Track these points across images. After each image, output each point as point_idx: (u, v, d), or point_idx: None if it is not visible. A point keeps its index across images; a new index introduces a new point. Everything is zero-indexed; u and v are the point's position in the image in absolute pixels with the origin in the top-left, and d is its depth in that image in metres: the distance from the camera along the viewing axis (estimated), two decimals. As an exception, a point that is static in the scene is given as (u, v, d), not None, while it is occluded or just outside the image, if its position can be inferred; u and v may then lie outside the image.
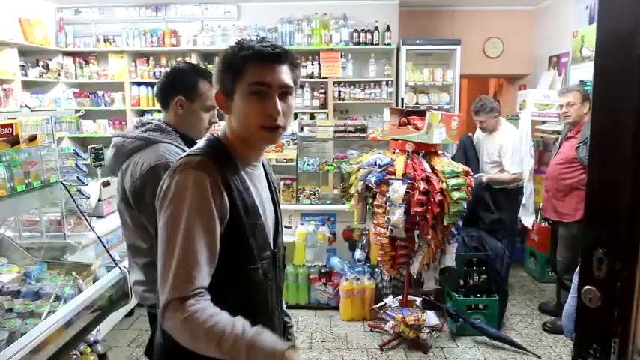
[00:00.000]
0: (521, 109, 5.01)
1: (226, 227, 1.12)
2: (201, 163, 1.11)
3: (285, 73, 1.15)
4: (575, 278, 2.47)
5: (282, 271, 1.38)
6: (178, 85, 1.79)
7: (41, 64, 5.36)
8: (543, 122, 4.79)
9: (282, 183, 3.91)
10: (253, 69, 1.12)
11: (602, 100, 0.83)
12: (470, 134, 4.37)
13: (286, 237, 3.82)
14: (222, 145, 1.20)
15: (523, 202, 4.41)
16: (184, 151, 1.77)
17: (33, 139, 2.36)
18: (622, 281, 0.78)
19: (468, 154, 4.10)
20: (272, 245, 1.27)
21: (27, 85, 5.19)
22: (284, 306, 1.48)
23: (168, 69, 1.93)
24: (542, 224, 4.49)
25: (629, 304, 0.78)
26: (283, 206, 3.86)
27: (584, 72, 4.11)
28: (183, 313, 1.02)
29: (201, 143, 1.23)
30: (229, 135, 1.21)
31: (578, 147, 3.27)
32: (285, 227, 3.89)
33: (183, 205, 1.07)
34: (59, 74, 5.55)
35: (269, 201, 1.29)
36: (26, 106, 4.70)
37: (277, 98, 1.13)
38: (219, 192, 1.09)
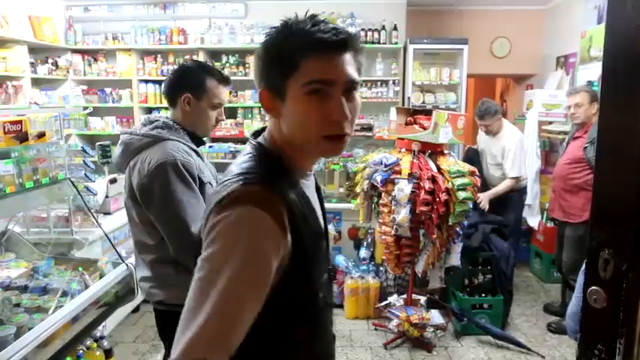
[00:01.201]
0: (528, 109, 4.99)
1: (288, 265, 0.88)
2: (263, 196, 0.86)
3: (349, 65, 0.90)
4: (580, 278, 2.46)
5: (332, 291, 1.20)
6: (186, 82, 1.80)
7: (50, 61, 5.40)
8: (550, 122, 4.77)
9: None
10: (311, 62, 0.87)
11: (610, 100, 0.83)
12: (475, 146, 4.37)
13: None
14: (275, 157, 0.96)
15: (529, 202, 4.40)
16: (191, 149, 1.79)
17: (41, 135, 2.38)
18: (628, 282, 0.78)
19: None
20: (328, 261, 1.10)
21: (36, 82, 5.22)
22: None
23: (175, 67, 1.94)
24: (548, 224, 4.47)
25: (634, 306, 0.78)
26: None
27: (592, 72, 4.09)
28: None
29: (248, 158, 0.96)
30: (279, 142, 0.97)
31: (585, 147, 3.25)
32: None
33: (232, 251, 0.81)
34: (68, 71, 5.58)
35: (320, 212, 1.07)
36: (35, 102, 4.74)
37: (343, 97, 0.89)
38: (282, 231, 0.86)
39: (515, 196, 4.01)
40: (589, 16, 4.63)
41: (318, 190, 1.12)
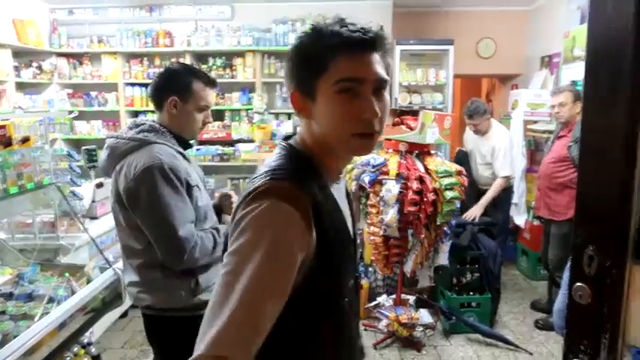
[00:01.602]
0: (513, 109, 5.04)
1: (313, 261, 0.89)
2: (290, 192, 0.86)
3: (378, 64, 0.91)
4: (565, 275, 2.49)
5: (357, 302, 1.14)
6: (172, 85, 1.79)
7: (34, 65, 5.33)
8: (535, 122, 4.82)
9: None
10: (340, 61, 0.88)
11: (593, 100, 0.84)
12: (464, 148, 4.41)
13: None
14: (305, 158, 0.97)
15: (515, 200, 4.45)
16: (178, 152, 1.78)
17: (26, 140, 2.35)
18: (612, 278, 0.79)
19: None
20: (355, 269, 1.08)
21: (20, 86, 5.15)
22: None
23: (162, 69, 1.93)
24: (535, 223, 4.52)
25: (618, 301, 0.79)
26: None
27: (576, 72, 4.14)
28: None
29: (278, 157, 0.97)
30: (310, 143, 0.98)
31: (570, 146, 3.29)
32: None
33: (257, 245, 0.81)
34: (52, 75, 5.52)
35: (349, 217, 1.05)
36: (19, 107, 4.68)
37: (372, 96, 0.90)
38: (308, 227, 0.86)
39: (502, 195, 4.06)
40: (572, 17, 4.69)
41: (348, 194, 1.12)
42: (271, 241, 0.82)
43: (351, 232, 1.06)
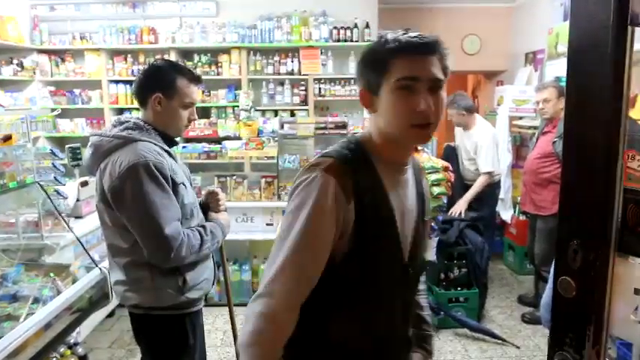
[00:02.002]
0: (498, 105, 5.09)
1: (351, 235, 1.04)
2: (332, 166, 1.03)
3: (434, 66, 1.04)
4: (552, 269, 2.52)
5: (414, 288, 1.28)
6: (156, 82, 1.77)
7: (15, 62, 5.24)
8: (520, 118, 4.87)
9: (263, 180, 3.90)
10: (399, 62, 1.02)
11: (576, 96, 0.85)
12: (452, 144, 4.45)
13: (268, 234, 3.82)
14: (362, 148, 1.11)
15: (501, 196, 4.49)
16: (163, 149, 1.76)
17: (7, 138, 2.31)
18: (596, 271, 0.80)
19: (452, 165, 4.17)
20: (405, 258, 1.16)
21: (1, 84, 5.06)
22: (426, 321, 1.39)
23: (145, 66, 1.90)
24: (521, 218, 4.57)
25: (602, 294, 0.80)
26: (264, 204, 3.86)
27: (560, 68, 4.19)
28: (264, 309, 0.99)
29: (338, 144, 1.13)
30: (375, 136, 1.12)
31: (554, 141, 3.33)
32: (267, 224, 3.88)
33: (301, 209, 1.00)
34: (34, 72, 5.42)
35: (412, 210, 1.17)
36: (0, 105, 4.59)
37: (428, 93, 1.03)
38: (346, 199, 1.02)
39: (489, 190, 4.09)
40: (555, 13, 4.75)
41: (419, 184, 1.22)
42: (312, 205, 0.99)
43: (413, 221, 1.17)
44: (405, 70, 1.02)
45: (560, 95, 3.37)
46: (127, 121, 1.77)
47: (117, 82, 5.51)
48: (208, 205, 2.03)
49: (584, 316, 0.82)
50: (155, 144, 1.73)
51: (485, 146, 3.96)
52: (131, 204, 1.63)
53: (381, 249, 1.10)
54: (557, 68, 4.25)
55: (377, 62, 1.05)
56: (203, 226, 1.84)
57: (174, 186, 1.72)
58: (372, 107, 1.09)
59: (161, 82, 1.76)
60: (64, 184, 2.96)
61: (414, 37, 1.03)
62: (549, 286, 2.85)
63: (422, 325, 1.37)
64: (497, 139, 4.21)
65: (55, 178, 2.84)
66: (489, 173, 3.97)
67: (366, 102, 1.10)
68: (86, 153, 1.80)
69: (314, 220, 0.99)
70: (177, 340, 1.83)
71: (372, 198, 1.06)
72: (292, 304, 1.01)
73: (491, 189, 4.14)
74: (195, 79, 1.82)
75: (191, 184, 1.91)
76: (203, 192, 2.09)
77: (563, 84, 3.26)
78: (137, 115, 1.86)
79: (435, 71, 1.03)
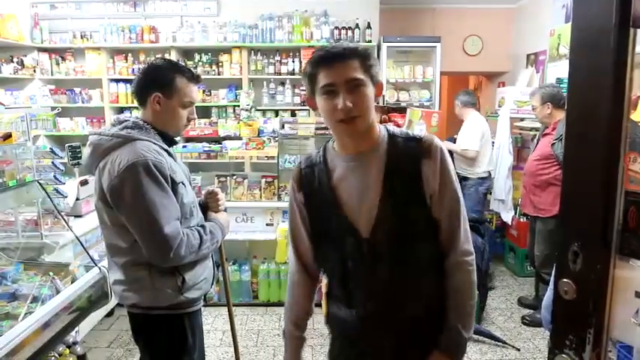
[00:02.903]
0: (500, 107, 5.08)
1: (306, 209, 1.41)
2: (295, 169, 1.45)
3: (349, 70, 1.23)
4: (554, 271, 2.52)
5: (393, 265, 1.31)
6: (155, 81, 1.76)
7: (15, 60, 5.24)
8: (522, 119, 4.87)
9: (263, 180, 3.90)
10: (321, 73, 1.25)
11: (577, 97, 0.85)
12: (455, 136, 4.58)
13: (268, 234, 3.82)
14: (325, 147, 1.41)
15: (502, 197, 4.49)
16: (163, 149, 1.76)
17: (7, 137, 2.31)
18: (596, 274, 0.80)
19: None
20: (363, 233, 1.30)
21: (1, 82, 5.06)
22: (447, 314, 1.35)
23: (144, 65, 1.90)
24: (521, 220, 4.57)
25: (603, 296, 0.80)
26: (264, 204, 3.86)
27: (562, 70, 4.19)
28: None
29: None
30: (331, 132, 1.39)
31: (553, 143, 3.33)
32: (267, 225, 3.88)
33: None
34: (34, 71, 5.42)
35: (372, 189, 1.30)
36: (0, 103, 4.59)
37: (347, 92, 1.23)
38: (298, 189, 1.42)
39: (468, 183, 4.31)
40: (557, 15, 4.74)
41: (387, 169, 1.31)
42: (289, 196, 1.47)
43: (369, 201, 1.29)
44: (323, 79, 1.25)
45: (545, 101, 3.43)
46: (126, 120, 1.76)
47: (117, 81, 5.51)
48: (208, 205, 2.03)
49: (584, 318, 0.81)
50: (154, 143, 1.73)
51: (465, 128, 4.31)
52: (130, 203, 1.63)
53: (327, 224, 1.36)
54: (559, 70, 4.25)
55: (308, 76, 1.29)
56: (202, 226, 1.84)
57: (174, 185, 1.71)
58: (317, 110, 1.33)
59: (160, 81, 1.76)
60: (64, 183, 2.96)
61: (328, 51, 1.25)
62: (550, 287, 2.85)
63: (445, 317, 1.35)
64: (486, 134, 4.40)
65: (54, 176, 2.84)
66: (465, 150, 4.30)
67: (312, 106, 1.34)
68: (85, 152, 1.80)
69: (289, 205, 1.46)
70: (175, 339, 1.83)
71: (315, 184, 1.37)
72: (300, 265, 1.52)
73: (472, 183, 4.37)
74: (195, 79, 1.82)
75: (190, 184, 1.90)
76: (203, 192, 2.09)
77: (564, 86, 3.27)
78: (136, 115, 1.86)
79: (351, 74, 1.23)
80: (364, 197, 1.30)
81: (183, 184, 1.77)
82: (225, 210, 2.08)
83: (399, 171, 1.30)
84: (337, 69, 1.23)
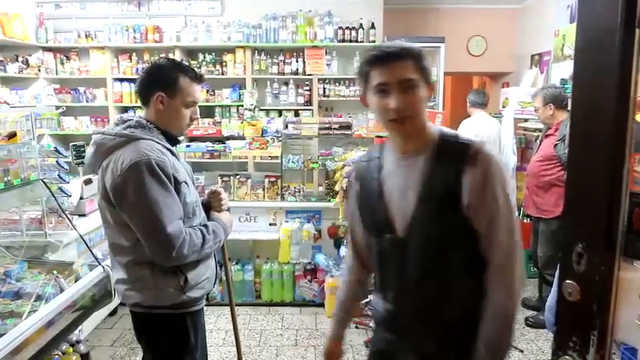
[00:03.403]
0: (504, 107, 5.07)
1: (360, 203, 1.46)
2: (356, 162, 1.61)
3: (403, 69, 1.24)
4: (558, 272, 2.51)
5: (420, 268, 1.31)
6: (158, 81, 1.77)
7: (20, 59, 5.26)
8: (525, 120, 4.85)
9: (266, 180, 3.90)
10: (374, 72, 1.27)
11: (582, 98, 0.85)
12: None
13: (271, 234, 3.82)
14: (386, 142, 1.43)
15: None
16: (166, 148, 1.76)
17: (12, 136, 2.32)
18: (600, 275, 0.79)
19: None
20: (400, 232, 1.32)
21: (6, 81, 5.08)
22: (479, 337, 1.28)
23: (148, 65, 1.90)
24: (525, 220, 4.55)
25: (607, 298, 0.79)
26: (267, 203, 3.86)
27: (566, 70, 4.17)
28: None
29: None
30: None
31: (556, 144, 3.32)
32: (270, 224, 3.88)
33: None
34: (39, 70, 5.44)
35: (414, 190, 1.30)
36: (5, 102, 4.61)
37: (399, 92, 1.24)
38: (356, 179, 1.49)
39: None
40: (562, 15, 4.72)
41: (431, 169, 1.30)
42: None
43: (407, 201, 1.31)
44: (377, 78, 1.26)
45: (547, 102, 3.42)
46: (129, 120, 1.77)
47: (121, 80, 5.52)
48: (210, 205, 2.03)
49: (588, 320, 0.81)
50: (157, 142, 1.73)
51: (460, 129, 4.41)
52: (133, 202, 1.63)
53: (371, 216, 1.40)
54: (564, 70, 4.23)
55: (362, 74, 1.31)
56: (205, 225, 1.84)
57: (177, 184, 1.71)
58: (369, 108, 1.35)
59: (163, 80, 1.76)
60: (68, 182, 2.97)
61: (383, 50, 1.26)
62: (554, 288, 2.84)
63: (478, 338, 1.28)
64: (489, 135, 4.44)
65: (58, 175, 2.85)
66: None
67: (365, 104, 1.36)
68: (88, 151, 1.80)
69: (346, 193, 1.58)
70: (178, 339, 1.83)
71: (368, 176, 1.42)
72: (354, 252, 1.58)
73: None
74: (198, 78, 1.82)
75: (193, 183, 1.91)
76: (207, 192, 2.09)
77: (568, 87, 3.26)
78: (140, 114, 1.86)
79: (404, 74, 1.24)
80: (404, 197, 1.31)
81: (186, 183, 1.77)
82: (228, 210, 2.08)
83: (440, 176, 1.28)
84: (391, 68, 1.24)
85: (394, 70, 1.24)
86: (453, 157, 1.28)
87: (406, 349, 1.37)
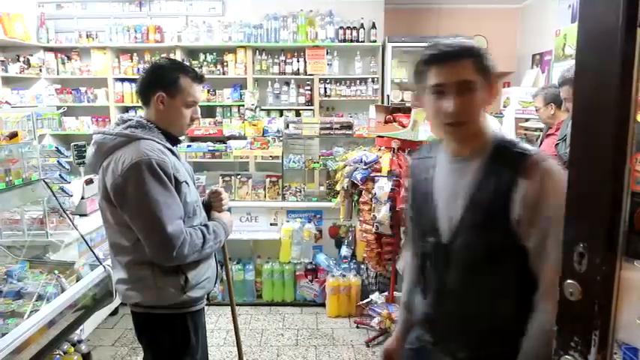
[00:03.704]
0: (505, 107, 5.06)
1: (412, 201, 1.43)
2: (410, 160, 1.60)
3: (461, 70, 1.18)
4: None
5: (459, 277, 1.27)
6: (159, 81, 1.77)
7: (22, 59, 5.27)
8: (526, 120, 4.85)
9: (267, 180, 3.90)
10: (431, 72, 1.21)
11: (583, 98, 0.85)
12: None
13: (272, 234, 3.83)
14: (441, 142, 1.36)
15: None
16: (167, 148, 1.77)
17: (13, 136, 2.32)
18: (602, 275, 0.79)
19: None
20: (439, 236, 1.29)
21: (7, 81, 5.09)
22: None
23: (148, 65, 1.91)
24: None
25: (608, 298, 0.79)
26: (268, 203, 3.87)
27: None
28: None
29: None
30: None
31: (557, 144, 3.31)
32: (271, 224, 3.89)
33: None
34: (40, 70, 5.45)
35: (463, 196, 1.24)
36: (6, 102, 4.62)
37: (456, 95, 1.18)
38: (410, 175, 1.47)
39: None
40: (562, 15, 4.72)
41: (482, 181, 1.23)
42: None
43: (455, 206, 1.26)
44: (433, 79, 1.20)
45: (548, 102, 3.41)
46: (130, 120, 1.77)
47: (122, 80, 5.53)
48: (211, 205, 2.03)
49: (590, 320, 0.81)
50: (158, 142, 1.73)
51: None
52: (133, 202, 1.64)
53: (420, 215, 1.38)
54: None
55: (418, 73, 1.25)
56: (206, 225, 1.84)
57: (177, 184, 1.72)
58: (423, 108, 1.30)
59: (164, 80, 1.76)
60: (69, 182, 2.97)
61: (441, 49, 1.19)
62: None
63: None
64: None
65: (60, 175, 2.85)
66: None
67: (420, 104, 1.31)
68: (89, 151, 1.80)
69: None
70: (178, 338, 1.83)
71: (421, 175, 1.38)
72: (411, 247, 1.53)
73: None
74: (198, 78, 1.82)
75: (194, 183, 1.91)
76: (207, 191, 2.09)
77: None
78: (140, 114, 1.86)
79: (462, 75, 1.17)
80: (452, 202, 1.27)
81: (186, 183, 1.77)
82: (229, 210, 2.08)
83: (490, 185, 1.20)
84: (448, 69, 1.18)
85: (452, 70, 1.18)
86: (508, 167, 1.19)
87: (441, 353, 1.35)
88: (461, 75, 1.17)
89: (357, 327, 3.60)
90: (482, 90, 1.20)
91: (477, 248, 1.23)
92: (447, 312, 1.32)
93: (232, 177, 3.90)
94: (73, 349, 2.70)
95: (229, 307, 2.39)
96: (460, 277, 1.27)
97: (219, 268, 2.03)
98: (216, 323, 3.64)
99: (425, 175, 1.36)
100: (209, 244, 1.79)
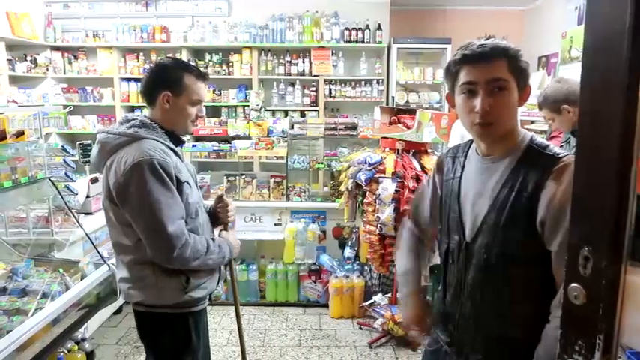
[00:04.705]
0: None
1: (440, 197, 1.43)
2: (440, 156, 1.53)
3: (493, 69, 1.17)
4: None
5: (477, 277, 1.27)
6: (164, 80, 1.77)
7: (29, 58, 5.30)
8: (532, 122, 4.83)
9: (272, 180, 3.91)
10: (463, 71, 1.21)
11: (589, 100, 0.84)
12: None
13: (276, 234, 3.83)
14: (472, 142, 1.37)
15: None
16: (169, 148, 1.77)
17: (20, 134, 2.34)
18: (607, 279, 0.79)
19: None
20: (464, 235, 1.30)
21: (14, 80, 5.12)
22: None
23: (152, 65, 1.91)
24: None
25: (613, 301, 0.79)
26: (272, 204, 3.87)
27: (573, 72, 4.15)
28: None
29: None
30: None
31: (561, 146, 3.30)
32: (275, 225, 3.89)
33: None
34: (47, 69, 5.48)
35: (490, 196, 1.24)
36: (14, 101, 4.65)
37: (487, 94, 1.16)
38: (439, 171, 1.46)
39: None
40: (569, 17, 4.70)
41: (509, 182, 1.22)
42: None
43: (481, 207, 1.26)
44: (464, 77, 1.19)
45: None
46: (133, 119, 1.77)
47: (128, 79, 5.55)
48: (217, 214, 2.03)
49: (594, 324, 0.81)
50: (161, 142, 1.74)
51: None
52: (135, 202, 1.64)
53: (446, 212, 1.38)
54: (571, 72, 4.21)
55: (450, 72, 1.24)
56: (212, 239, 1.85)
57: (179, 185, 1.72)
58: (454, 108, 1.29)
59: (169, 79, 1.77)
60: (75, 181, 2.99)
61: (473, 50, 1.18)
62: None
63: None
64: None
65: (65, 174, 2.87)
66: None
67: (451, 104, 1.30)
68: (93, 150, 1.81)
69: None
70: (179, 338, 1.83)
71: (451, 173, 1.39)
72: (411, 223, 1.65)
73: None
74: (202, 76, 1.83)
75: (196, 184, 1.91)
76: (212, 192, 2.09)
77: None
78: (145, 113, 1.87)
79: (494, 73, 1.16)
80: (477, 203, 1.27)
81: (188, 183, 1.77)
82: (234, 219, 2.09)
83: (517, 186, 1.19)
84: (482, 68, 1.17)
85: (484, 68, 1.16)
86: (536, 169, 1.17)
87: (456, 354, 1.35)
88: (492, 73, 1.16)
89: (360, 328, 3.60)
90: (515, 91, 1.19)
91: (499, 248, 1.21)
92: (463, 312, 1.32)
93: (237, 177, 3.91)
94: (76, 347, 2.71)
95: (233, 307, 2.39)
96: (478, 276, 1.27)
97: (223, 268, 2.03)
98: (220, 323, 3.64)
99: (454, 174, 1.37)
100: (213, 255, 1.78)
